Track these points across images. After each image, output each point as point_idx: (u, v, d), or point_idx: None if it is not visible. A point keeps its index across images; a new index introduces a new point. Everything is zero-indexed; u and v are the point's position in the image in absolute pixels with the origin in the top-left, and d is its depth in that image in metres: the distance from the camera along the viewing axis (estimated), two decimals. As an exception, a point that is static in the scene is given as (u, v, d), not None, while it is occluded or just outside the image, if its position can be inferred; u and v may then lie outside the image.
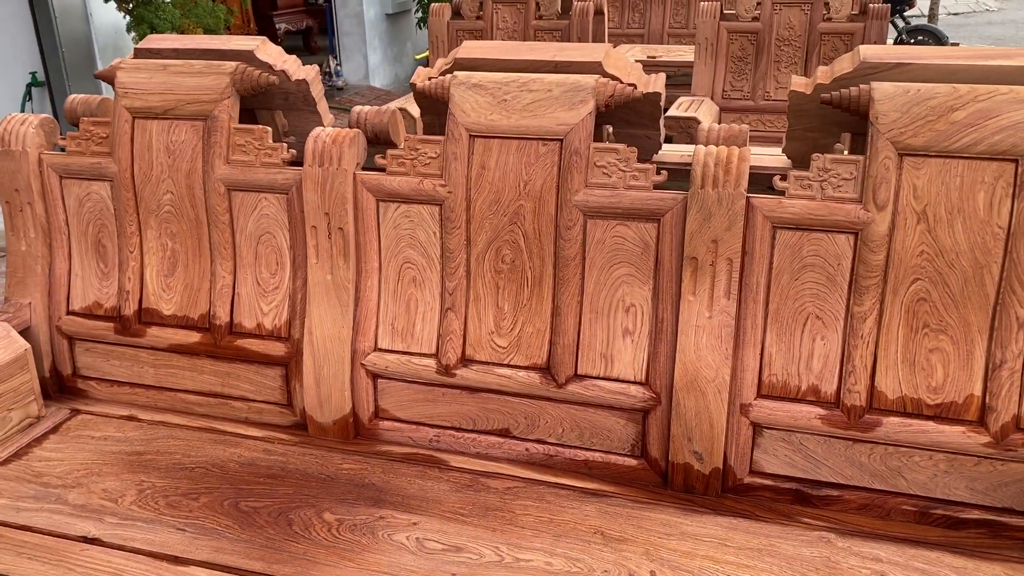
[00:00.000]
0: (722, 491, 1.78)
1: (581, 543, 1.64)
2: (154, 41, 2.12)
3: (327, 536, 1.67)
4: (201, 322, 2.08)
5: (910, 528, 1.68)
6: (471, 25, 4.93)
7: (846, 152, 1.86)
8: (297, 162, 1.98)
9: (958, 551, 1.61)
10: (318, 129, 1.92)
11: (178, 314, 2.09)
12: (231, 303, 2.05)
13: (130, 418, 2.09)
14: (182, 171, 2.02)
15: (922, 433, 1.65)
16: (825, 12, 4.37)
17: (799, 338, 1.71)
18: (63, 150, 2.13)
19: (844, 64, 1.74)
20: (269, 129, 1.97)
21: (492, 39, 4.89)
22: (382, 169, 1.90)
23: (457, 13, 4.95)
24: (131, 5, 4.98)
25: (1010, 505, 1.66)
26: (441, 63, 1.98)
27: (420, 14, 9.52)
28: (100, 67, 5.57)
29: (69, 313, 2.17)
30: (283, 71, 2.03)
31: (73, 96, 2.24)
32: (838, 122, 1.79)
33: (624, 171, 1.75)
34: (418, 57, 8.55)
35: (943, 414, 1.65)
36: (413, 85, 1.96)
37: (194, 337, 2.08)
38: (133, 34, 5.07)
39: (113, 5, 5.06)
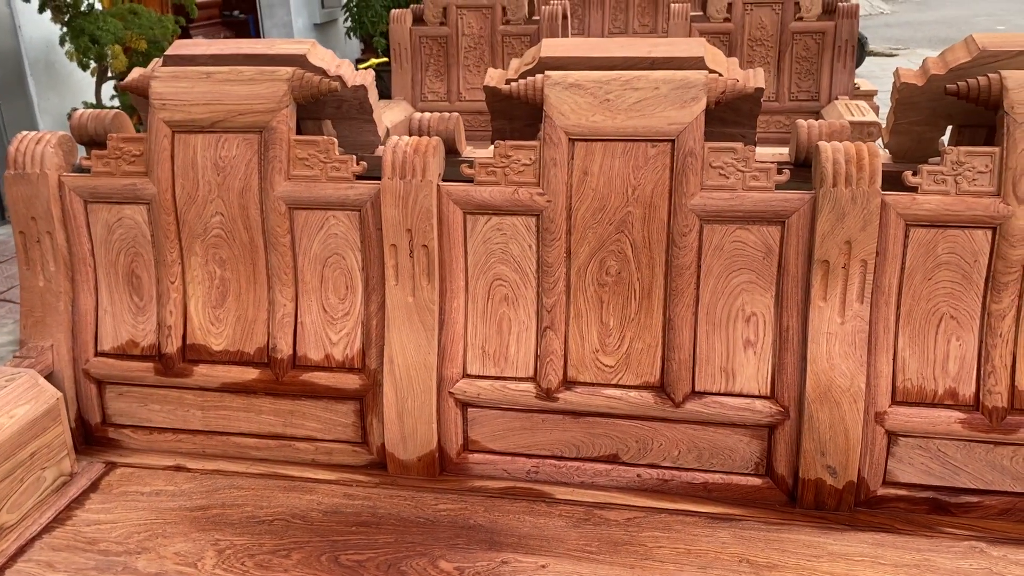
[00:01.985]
0: (855, 505, 1.69)
1: (730, 574, 1.52)
2: (186, 47, 1.90)
3: (452, 588, 1.50)
4: (258, 357, 1.87)
5: (1056, 531, 1.63)
6: (435, 31, 4.76)
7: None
8: (365, 176, 1.80)
9: (1113, 551, 1.56)
10: (395, 138, 1.75)
11: (230, 349, 1.87)
12: (293, 334, 1.85)
13: (178, 468, 1.87)
14: (234, 190, 1.81)
15: (1068, 432, 1.60)
16: (796, 11, 4.39)
17: (933, 340, 1.64)
18: (84, 171, 1.89)
19: (958, 54, 1.68)
20: (335, 140, 1.78)
21: (458, 45, 4.75)
22: (468, 180, 1.74)
23: (419, 19, 4.78)
24: (67, 16, 4.61)
25: None
26: (517, 64, 1.84)
27: (349, 23, 9.27)
28: (31, 84, 5.17)
29: (98, 354, 1.92)
30: (339, 76, 1.85)
31: (81, 111, 2.00)
32: (947, 114, 1.73)
33: (743, 171, 1.64)
34: (363, 66, 8.31)
35: (1087, 411, 1.60)
36: (488, 88, 1.81)
37: (250, 374, 1.87)
38: (69, 47, 4.70)
39: (47, 16, 4.68)
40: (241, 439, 1.90)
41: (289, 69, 1.79)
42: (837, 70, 4.37)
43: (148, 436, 1.94)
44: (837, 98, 4.29)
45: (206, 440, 1.92)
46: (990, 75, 1.60)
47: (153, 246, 1.87)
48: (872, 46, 11.63)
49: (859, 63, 9.42)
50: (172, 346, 1.88)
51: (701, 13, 4.58)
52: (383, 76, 5.89)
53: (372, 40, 9.00)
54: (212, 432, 1.92)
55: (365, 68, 8.31)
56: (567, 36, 4.81)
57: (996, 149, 1.57)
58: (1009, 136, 1.56)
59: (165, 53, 1.90)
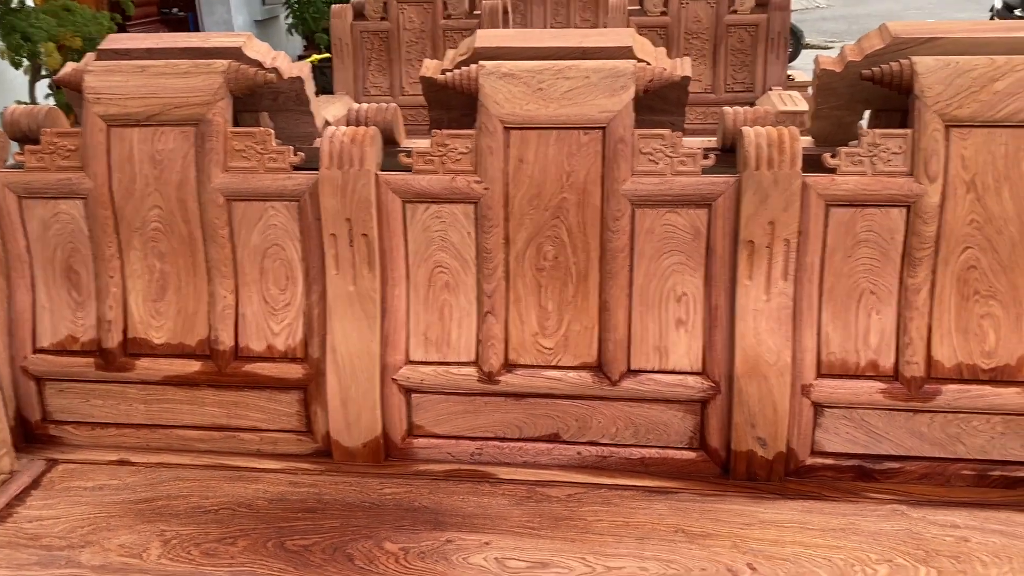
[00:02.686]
0: (785, 475, 1.76)
1: (666, 543, 1.58)
2: (119, 41, 1.89)
3: (397, 567, 1.54)
4: (200, 349, 1.87)
5: (971, 492, 1.71)
6: (375, 26, 4.75)
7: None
8: (303, 166, 1.82)
9: (1023, 508, 1.65)
10: (332, 128, 1.77)
11: (172, 342, 1.88)
12: (235, 325, 1.86)
13: (122, 462, 1.86)
14: (171, 183, 1.82)
15: (980, 398, 1.69)
16: (730, 5, 4.49)
17: (855, 314, 1.71)
18: (18, 167, 1.88)
19: (873, 41, 1.75)
20: (271, 131, 1.80)
21: (400, 40, 4.74)
22: (406, 168, 1.77)
23: (360, 14, 4.77)
24: (-3, 13, 4.51)
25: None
26: (453, 54, 1.88)
27: (290, 20, 9.19)
28: (-40, 84, 5.03)
29: (36, 351, 1.91)
30: (274, 68, 1.86)
31: (14, 107, 1.98)
32: (864, 99, 1.81)
33: (671, 157, 1.70)
34: (305, 61, 8.22)
35: (998, 377, 1.69)
36: (424, 78, 1.84)
37: (193, 366, 1.87)
38: (0, 45, 4.60)
39: (-24, 14, 4.56)
40: (185, 431, 1.91)
41: (224, 62, 1.80)
42: (771, 61, 4.48)
43: (91, 432, 1.94)
44: (771, 89, 4.40)
45: (150, 434, 1.92)
46: (902, 61, 1.68)
47: (91, 241, 1.86)
48: (808, 39, 11.88)
49: (795, 56, 9.62)
50: (113, 341, 1.87)
51: (639, 7, 4.66)
52: (326, 72, 5.86)
53: (314, 36, 8.94)
54: (156, 425, 1.92)
55: (313, 61, 8.24)
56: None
57: (909, 131, 1.65)
58: (920, 118, 1.64)
59: (98, 47, 1.89)
